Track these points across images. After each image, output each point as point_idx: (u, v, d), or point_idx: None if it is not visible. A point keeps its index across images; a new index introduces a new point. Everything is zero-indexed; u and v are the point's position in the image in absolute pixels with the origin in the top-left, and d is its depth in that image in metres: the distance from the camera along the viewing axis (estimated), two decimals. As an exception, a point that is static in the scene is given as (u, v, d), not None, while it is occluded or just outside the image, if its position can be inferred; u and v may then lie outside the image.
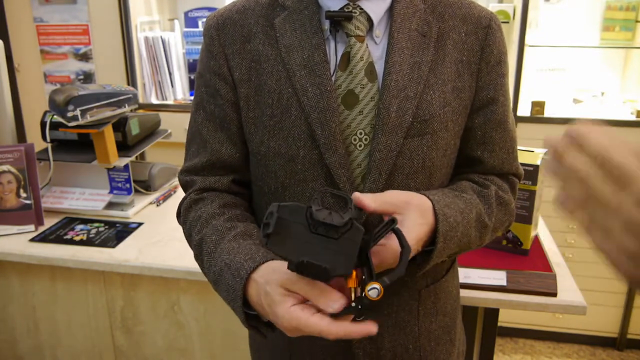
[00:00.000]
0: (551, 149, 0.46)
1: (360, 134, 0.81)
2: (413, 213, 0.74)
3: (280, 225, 0.64)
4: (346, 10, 0.82)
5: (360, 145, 0.81)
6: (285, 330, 0.68)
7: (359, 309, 0.65)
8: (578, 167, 0.44)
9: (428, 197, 0.78)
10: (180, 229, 0.94)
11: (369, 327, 0.66)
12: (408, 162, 0.82)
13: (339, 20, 0.82)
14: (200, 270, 0.88)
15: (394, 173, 0.81)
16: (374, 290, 0.64)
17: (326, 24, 0.83)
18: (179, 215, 0.95)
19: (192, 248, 0.90)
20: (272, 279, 0.70)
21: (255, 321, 0.76)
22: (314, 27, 0.83)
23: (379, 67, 0.82)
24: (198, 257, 0.87)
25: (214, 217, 0.86)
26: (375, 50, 0.83)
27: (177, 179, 1.89)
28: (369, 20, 0.83)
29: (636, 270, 0.41)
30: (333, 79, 0.82)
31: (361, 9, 0.82)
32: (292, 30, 0.83)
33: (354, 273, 0.66)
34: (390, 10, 0.84)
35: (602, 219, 0.43)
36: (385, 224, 0.69)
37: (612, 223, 0.42)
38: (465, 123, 0.88)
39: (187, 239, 0.92)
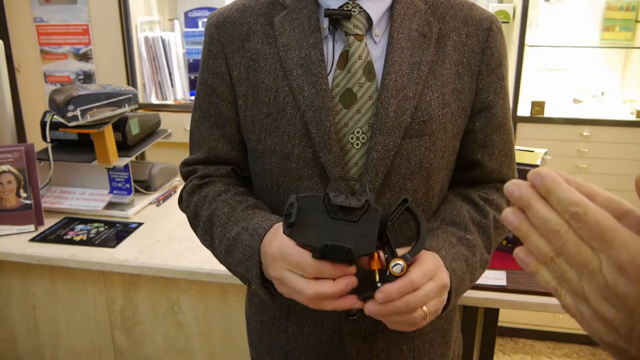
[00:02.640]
0: (513, 197, 0.40)
1: (358, 132, 0.81)
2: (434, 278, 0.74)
3: (301, 215, 0.67)
4: (345, 9, 0.82)
5: (357, 144, 0.81)
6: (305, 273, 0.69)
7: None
8: (547, 219, 0.38)
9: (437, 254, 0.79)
10: (180, 228, 0.95)
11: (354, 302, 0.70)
12: (405, 162, 0.82)
13: (338, 19, 0.81)
14: (200, 271, 0.88)
15: (390, 173, 0.82)
16: (397, 266, 0.67)
17: (325, 23, 0.83)
18: (180, 201, 0.97)
19: (199, 227, 0.91)
20: (290, 243, 0.71)
21: (267, 283, 0.78)
22: (312, 26, 0.83)
23: (378, 67, 0.82)
24: (207, 232, 0.88)
25: (220, 194, 0.89)
26: (375, 49, 0.83)
27: (177, 179, 1.91)
28: (369, 19, 0.82)
29: (613, 339, 0.37)
30: (331, 77, 0.82)
31: (360, 7, 0.82)
32: (291, 29, 0.84)
33: (376, 255, 0.69)
34: (391, 10, 0.84)
35: (575, 281, 0.38)
36: (398, 204, 0.72)
37: (588, 287, 0.37)
38: (466, 126, 0.88)
39: (191, 221, 0.93)
